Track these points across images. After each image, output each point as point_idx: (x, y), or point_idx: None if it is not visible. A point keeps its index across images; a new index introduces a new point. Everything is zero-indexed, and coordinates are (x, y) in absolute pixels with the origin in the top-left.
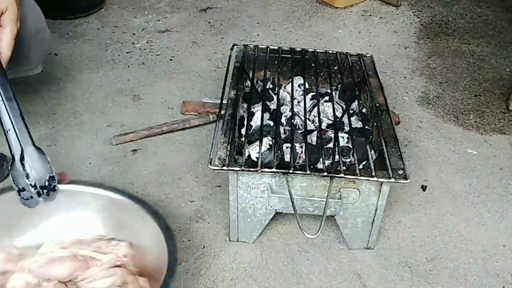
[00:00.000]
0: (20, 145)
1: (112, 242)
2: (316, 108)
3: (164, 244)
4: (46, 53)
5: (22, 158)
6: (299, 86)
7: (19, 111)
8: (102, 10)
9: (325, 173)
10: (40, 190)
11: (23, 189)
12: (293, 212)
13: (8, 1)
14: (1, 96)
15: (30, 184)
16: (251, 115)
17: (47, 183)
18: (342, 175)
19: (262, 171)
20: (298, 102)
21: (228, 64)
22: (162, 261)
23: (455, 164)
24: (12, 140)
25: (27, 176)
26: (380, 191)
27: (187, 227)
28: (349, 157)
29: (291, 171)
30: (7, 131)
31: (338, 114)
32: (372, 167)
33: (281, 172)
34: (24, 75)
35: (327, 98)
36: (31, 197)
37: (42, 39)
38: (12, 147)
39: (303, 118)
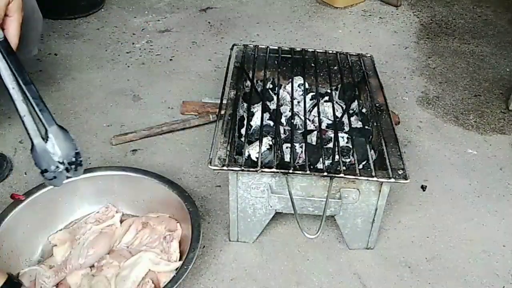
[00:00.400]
0: (44, 126)
1: (101, 211)
2: (316, 108)
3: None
4: (40, 33)
5: (47, 138)
6: (299, 86)
7: (38, 94)
8: (102, 10)
9: (325, 173)
10: (68, 166)
11: (46, 170)
12: (293, 212)
13: None
14: (18, 81)
15: (58, 161)
16: (251, 115)
17: (74, 159)
18: (342, 175)
19: (262, 171)
20: (298, 102)
21: (228, 64)
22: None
23: (455, 164)
24: (28, 125)
25: (55, 154)
26: (380, 191)
27: None
28: (349, 157)
29: (291, 171)
30: (22, 117)
31: (338, 114)
32: (372, 167)
33: (281, 172)
34: (22, 58)
35: (327, 98)
36: (55, 176)
37: (37, 19)
38: (29, 132)
39: (303, 118)
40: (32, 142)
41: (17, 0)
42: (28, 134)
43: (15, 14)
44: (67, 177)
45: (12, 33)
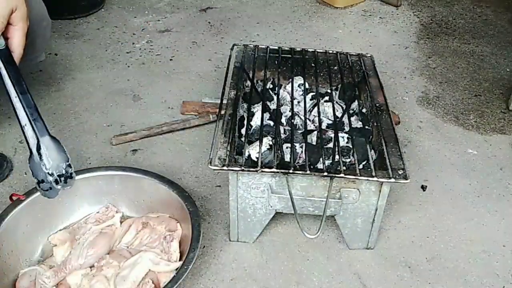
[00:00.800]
0: (37, 136)
1: (101, 211)
2: (316, 108)
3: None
4: (49, 39)
5: (38, 148)
6: (299, 86)
7: (34, 104)
8: (102, 10)
9: (325, 173)
10: (58, 178)
11: (42, 181)
12: (293, 212)
13: (17, 0)
14: (16, 91)
15: (48, 173)
16: (251, 115)
17: (64, 171)
18: (342, 175)
19: (262, 171)
20: (298, 102)
21: (228, 64)
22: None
23: (455, 164)
24: (29, 134)
25: (45, 165)
26: (380, 191)
27: None
28: (349, 157)
29: (291, 171)
30: (23, 126)
31: (338, 114)
32: (372, 167)
33: (281, 172)
34: (29, 63)
35: (327, 98)
36: (50, 188)
37: (46, 26)
38: (29, 141)
39: (303, 118)
40: (31, 152)
41: (22, 9)
42: (28, 143)
43: (19, 23)
44: (57, 190)
45: (16, 43)
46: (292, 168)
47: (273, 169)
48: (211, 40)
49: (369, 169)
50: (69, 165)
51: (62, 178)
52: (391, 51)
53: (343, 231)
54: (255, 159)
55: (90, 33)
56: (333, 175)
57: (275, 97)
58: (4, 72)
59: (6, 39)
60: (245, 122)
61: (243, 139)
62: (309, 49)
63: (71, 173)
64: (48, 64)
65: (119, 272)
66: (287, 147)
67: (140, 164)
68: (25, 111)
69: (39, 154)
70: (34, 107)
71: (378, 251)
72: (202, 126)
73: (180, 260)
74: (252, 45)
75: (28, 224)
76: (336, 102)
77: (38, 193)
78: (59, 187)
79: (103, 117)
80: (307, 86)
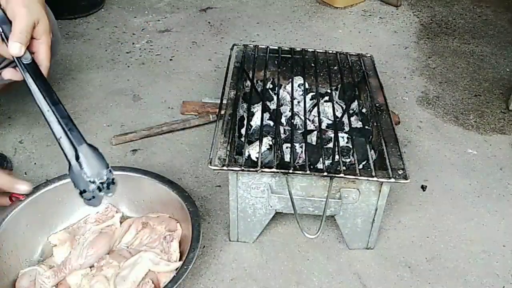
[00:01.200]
0: (74, 146)
1: (101, 211)
2: (316, 108)
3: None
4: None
5: (77, 158)
6: (299, 86)
7: (67, 114)
8: (102, 10)
9: (325, 173)
10: (100, 185)
11: (84, 191)
12: (293, 212)
13: (39, 13)
14: (48, 103)
15: (90, 181)
16: (251, 115)
17: (105, 177)
18: (342, 175)
19: (262, 171)
20: (298, 102)
21: (228, 64)
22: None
23: (455, 164)
24: (65, 146)
25: (86, 174)
26: (380, 191)
27: None
28: (349, 157)
29: (291, 171)
30: (59, 139)
31: (338, 114)
32: (372, 167)
33: (281, 172)
34: None
35: (327, 98)
36: (93, 197)
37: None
38: (66, 153)
39: (303, 118)
40: (70, 163)
41: (44, 22)
42: (65, 155)
43: (43, 37)
44: (101, 197)
45: (42, 56)
46: (292, 168)
47: (273, 169)
48: (211, 40)
49: (369, 169)
50: (110, 171)
51: (105, 185)
52: (391, 51)
53: (343, 231)
54: (255, 159)
55: (90, 33)
56: (333, 175)
57: (275, 97)
58: (34, 86)
59: (31, 53)
60: (245, 122)
61: (243, 139)
62: (309, 49)
63: (113, 179)
64: None
65: (119, 272)
66: (287, 147)
67: (140, 164)
68: (59, 122)
69: (79, 163)
70: (68, 117)
71: (378, 251)
72: (202, 126)
73: (180, 260)
74: (252, 45)
75: (28, 224)
76: (336, 102)
77: (38, 193)
78: (102, 194)
79: (103, 117)
80: (307, 86)
